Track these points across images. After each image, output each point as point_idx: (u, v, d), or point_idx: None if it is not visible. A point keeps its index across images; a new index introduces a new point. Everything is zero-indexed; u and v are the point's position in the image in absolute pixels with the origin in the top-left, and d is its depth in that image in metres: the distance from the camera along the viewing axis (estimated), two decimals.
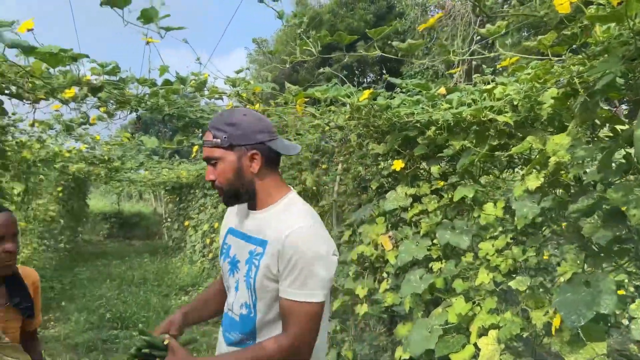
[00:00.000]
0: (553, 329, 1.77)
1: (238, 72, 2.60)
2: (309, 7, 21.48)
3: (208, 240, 9.12)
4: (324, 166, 4.62)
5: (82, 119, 3.95)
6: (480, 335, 2.28)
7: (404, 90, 2.73)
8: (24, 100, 3.28)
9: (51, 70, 2.68)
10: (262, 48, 21.76)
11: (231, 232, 1.76)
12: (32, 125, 4.62)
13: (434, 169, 2.88)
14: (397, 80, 2.64)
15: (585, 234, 1.69)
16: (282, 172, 5.49)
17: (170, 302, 7.04)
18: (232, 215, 1.81)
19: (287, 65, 2.14)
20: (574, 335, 1.79)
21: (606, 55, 1.44)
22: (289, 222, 1.56)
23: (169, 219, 14.74)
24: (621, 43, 1.40)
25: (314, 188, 4.68)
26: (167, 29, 1.64)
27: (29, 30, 2.16)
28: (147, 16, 1.56)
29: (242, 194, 1.64)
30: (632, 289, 1.93)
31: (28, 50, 2.00)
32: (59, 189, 9.26)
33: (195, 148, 5.75)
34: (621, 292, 1.81)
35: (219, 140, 1.59)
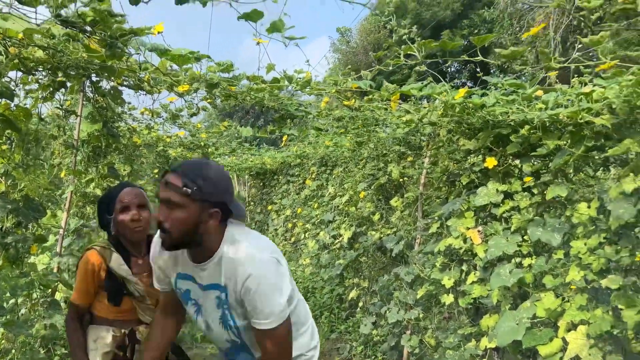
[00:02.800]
0: (634, 324, 1.83)
1: (344, 73, 2.78)
2: None
3: (290, 225, 9.49)
4: (409, 159, 4.74)
5: (189, 109, 4.33)
6: (568, 330, 2.35)
7: (498, 88, 2.80)
8: (140, 91, 3.67)
9: (173, 66, 3.01)
10: (345, 37, 21.92)
11: (182, 278, 1.82)
12: (143, 113, 5.11)
13: (526, 167, 2.93)
14: (493, 79, 2.71)
15: None
16: (367, 162, 5.66)
17: None
18: (167, 259, 1.85)
19: (389, 68, 2.28)
20: None
21: None
22: (240, 261, 1.66)
23: (252, 202, 15.36)
24: None
25: (400, 180, 4.81)
26: (291, 38, 1.85)
27: (159, 32, 2.47)
28: (276, 27, 1.78)
29: (188, 244, 1.69)
30: None
31: (163, 52, 2.29)
32: (155, 170, 9.97)
33: (285, 137, 6.05)
34: None
35: (189, 190, 1.59)
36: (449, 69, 22.66)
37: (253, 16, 1.66)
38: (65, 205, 3.58)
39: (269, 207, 11.60)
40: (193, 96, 3.74)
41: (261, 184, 13.78)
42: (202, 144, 6.80)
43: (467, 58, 2.14)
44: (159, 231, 1.74)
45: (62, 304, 3.30)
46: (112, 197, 2.21)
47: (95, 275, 2.14)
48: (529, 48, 11.33)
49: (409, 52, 2.09)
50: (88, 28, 2.03)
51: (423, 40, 2.04)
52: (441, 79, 2.76)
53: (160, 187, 1.66)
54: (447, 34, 18.45)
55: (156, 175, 10.29)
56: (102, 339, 2.13)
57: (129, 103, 4.92)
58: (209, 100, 3.86)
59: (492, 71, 16.69)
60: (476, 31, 18.29)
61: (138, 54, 2.20)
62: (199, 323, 1.84)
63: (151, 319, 2.16)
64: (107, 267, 2.16)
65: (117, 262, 2.17)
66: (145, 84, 3.32)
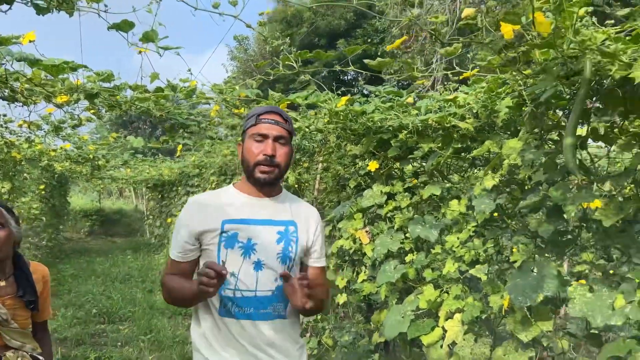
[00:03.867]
0: (503, 310, 2.03)
1: (227, 81, 2.80)
2: (289, 4, 21.60)
3: None
4: (305, 165, 4.85)
5: (72, 120, 4.12)
6: (447, 319, 2.53)
7: (378, 96, 2.97)
8: (15, 103, 3.45)
9: (49, 76, 2.87)
10: (243, 45, 21.85)
11: (230, 222, 1.78)
12: (21, 126, 4.77)
13: (408, 169, 3.13)
14: (372, 88, 2.87)
15: (531, 228, 1.95)
16: None
17: (155, 297, 7.21)
18: (212, 211, 1.81)
19: (271, 77, 2.34)
20: (524, 316, 2.05)
21: (544, 74, 1.69)
22: (304, 205, 1.92)
23: (150, 216, 14.82)
24: (556, 64, 1.65)
25: (296, 185, 4.91)
26: (165, 49, 1.85)
27: (31, 41, 2.35)
28: (149, 37, 1.76)
29: (281, 178, 1.84)
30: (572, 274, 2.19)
31: (34, 62, 2.18)
32: (42, 187, 9.33)
33: (180, 147, 5.93)
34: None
35: (290, 127, 1.80)
36: (346, 77, 23.36)
37: (123, 27, 1.63)
38: None
39: (169, 220, 11.27)
40: (75, 107, 3.58)
41: (159, 196, 13.35)
42: (91, 156, 6.48)
43: (339, 67, 2.25)
44: (195, 196, 1.87)
45: None
46: None
47: None
48: (417, 57, 12.04)
49: (287, 62, 2.17)
50: None
51: (299, 51, 2.13)
52: (324, 87, 2.87)
53: (267, 126, 1.75)
54: (342, 43, 19.02)
55: (43, 192, 9.65)
56: None
57: (4, 115, 4.60)
58: (92, 111, 3.70)
59: (387, 79, 17.42)
60: (370, 40, 19.02)
61: (3, 64, 2.08)
62: (245, 267, 1.78)
63: (20, 343, 2.04)
64: None
65: None
66: (19, 95, 3.12)
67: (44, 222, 9.93)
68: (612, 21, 1.58)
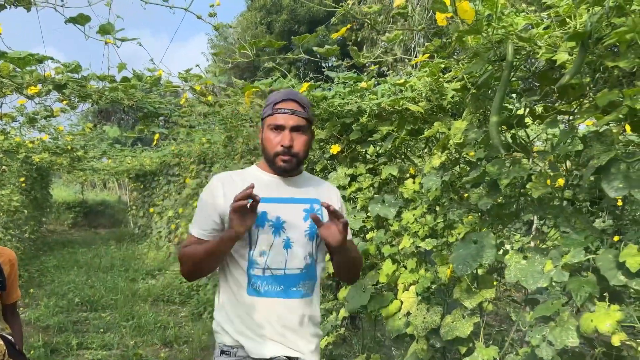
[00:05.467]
0: (446, 278, 2.18)
1: (187, 70, 2.90)
2: None
3: (173, 226, 9.36)
4: None
5: (47, 112, 4.19)
6: (404, 291, 2.69)
7: (340, 82, 3.09)
8: None
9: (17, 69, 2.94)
10: (223, 34, 21.76)
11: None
12: None
13: (370, 151, 3.26)
14: (333, 74, 2.99)
15: (472, 202, 2.10)
16: (242, 157, 5.82)
17: (138, 285, 7.31)
18: (235, 189, 1.72)
19: (229, 65, 2.45)
20: (468, 285, 2.21)
21: (476, 58, 1.83)
22: (325, 183, 1.98)
23: (133, 207, 14.85)
24: (486, 49, 1.78)
25: None
26: (123, 40, 1.94)
27: None
28: (105, 30, 1.86)
29: (302, 163, 1.86)
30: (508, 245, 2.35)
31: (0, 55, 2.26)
32: (22, 179, 9.33)
33: (157, 136, 6.00)
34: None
35: (308, 114, 1.78)
36: (327, 63, 23.38)
37: (80, 20, 1.73)
38: None
39: (151, 210, 11.32)
40: (46, 98, 3.65)
41: (142, 186, 13.38)
42: (69, 147, 6.52)
43: (291, 56, 2.37)
44: (219, 174, 1.84)
45: None
46: None
47: None
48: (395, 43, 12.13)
49: (243, 50, 2.27)
50: None
51: (254, 40, 2.23)
52: (287, 74, 2.98)
53: (283, 116, 1.75)
54: (321, 29, 19.02)
55: (23, 184, 9.65)
56: None
57: None
58: (65, 102, 3.78)
59: (366, 64, 17.49)
60: (349, 26, 19.10)
61: None
62: (276, 244, 1.76)
63: None
64: None
65: None
66: None
67: (26, 215, 9.95)
68: (534, 7, 1.72)
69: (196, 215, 1.83)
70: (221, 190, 1.78)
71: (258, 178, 1.80)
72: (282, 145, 1.74)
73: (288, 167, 1.78)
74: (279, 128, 1.75)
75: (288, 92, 1.83)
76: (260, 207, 1.72)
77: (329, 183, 2.02)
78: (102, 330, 5.30)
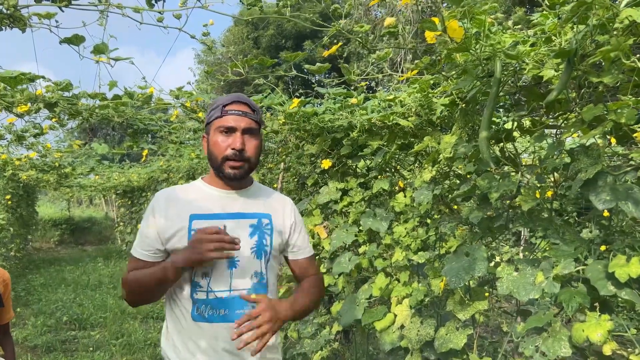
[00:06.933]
0: (439, 291, 2.20)
1: (179, 88, 2.92)
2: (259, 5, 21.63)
3: None
4: (270, 165, 4.98)
5: (36, 129, 4.17)
6: (397, 305, 2.70)
7: (330, 98, 3.13)
8: None
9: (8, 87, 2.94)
10: (209, 49, 21.81)
11: (198, 218, 1.67)
12: None
13: (361, 165, 3.29)
14: (324, 90, 3.03)
15: (463, 215, 2.13)
16: None
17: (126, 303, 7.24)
18: (181, 207, 1.68)
19: (221, 82, 2.47)
20: (461, 297, 2.23)
21: (465, 74, 1.87)
22: (277, 196, 1.84)
23: (121, 223, 14.73)
24: (475, 65, 1.83)
25: None
26: (117, 59, 1.96)
27: None
28: (100, 50, 1.88)
29: (253, 170, 1.73)
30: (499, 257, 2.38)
31: None
32: (8, 197, 9.23)
33: (145, 152, 5.99)
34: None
35: (259, 117, 1.69)
36: (315, 78, 23.52)
37: (74, 40, 1.75)
38: None
39: (139, 226, 11.22)
40: (35, 116, 3.64)
41: (129, 202, 13.30)
42: (57, 164, 6.48)
43: (282, 73, 2.40)
44: (163, 190, 1.74)
45: None
46: None
47: None
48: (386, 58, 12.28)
49: (236, 68, 2.30)
50: None
51: (246, 58, 2.26)
52: (275, 88, 3.01)
53: (234, 117, 1.65)
54: (308, 44, 19.18)
55: (9, 202, 9.54)
56: None
57: None
58: (54, 119, 3.77)
59: (356, 80, 17.65)
60: (335, 41, 19.28)
61: None
62: (218, 264, 1.65)
63: None
64: None
65: None
66: None
67: (12, 233, 9.83)
68: (520, 25, 1.77)
69: (138, 235, 1.72)
70: (163, 210, 1.68)
71: (203, 192, 1.72)
72: (232, 149, 1.63)
73: (238, 174, 1.66)
74: (229, 130, 1.64)
75: (237, 95, 1.73)
76: (202, 224, 1.63)
77: (282, 195, 1.88)
78: (91, 349, 5.24)
